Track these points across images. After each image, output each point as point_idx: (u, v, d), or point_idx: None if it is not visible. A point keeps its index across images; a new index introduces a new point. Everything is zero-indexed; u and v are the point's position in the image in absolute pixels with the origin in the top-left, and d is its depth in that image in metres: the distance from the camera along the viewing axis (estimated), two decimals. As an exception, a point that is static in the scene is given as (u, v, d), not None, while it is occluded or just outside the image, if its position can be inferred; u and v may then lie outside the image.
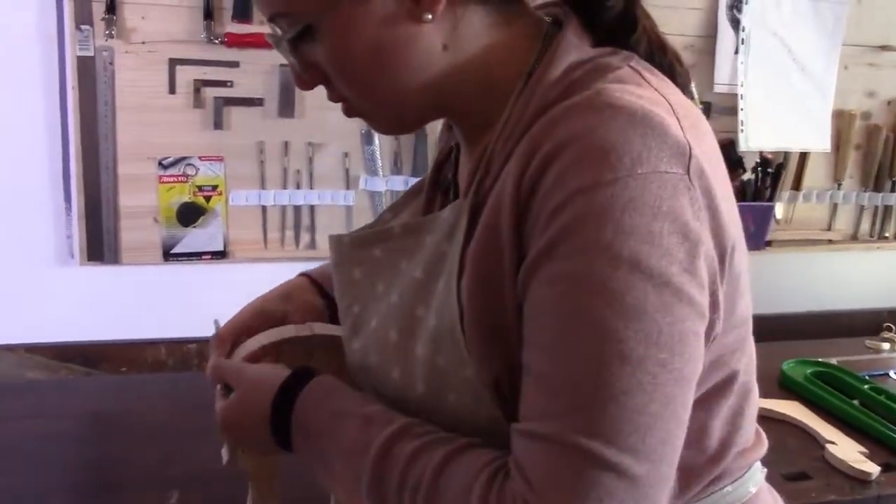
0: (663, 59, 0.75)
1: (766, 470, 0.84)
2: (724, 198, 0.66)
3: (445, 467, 0.67)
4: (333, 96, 0.77)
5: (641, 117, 0.62)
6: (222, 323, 0.96)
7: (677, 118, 0.65)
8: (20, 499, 1.19)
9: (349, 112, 0.77)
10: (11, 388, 1.59)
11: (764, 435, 0.83)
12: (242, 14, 1.67)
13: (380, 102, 0.74)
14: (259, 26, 1.68)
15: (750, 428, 0.79)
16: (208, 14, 1.65)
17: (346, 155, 1.81)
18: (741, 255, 0.70)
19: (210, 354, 0.93)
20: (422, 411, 0.73)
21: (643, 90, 0.66)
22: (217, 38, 1.66)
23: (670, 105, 0.66)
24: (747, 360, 0.76)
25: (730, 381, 0.74)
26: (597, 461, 0.59)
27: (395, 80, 0.72)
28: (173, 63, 1.66)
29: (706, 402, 0.72)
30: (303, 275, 1.03)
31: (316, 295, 0.99)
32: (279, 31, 0.73)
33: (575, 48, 0.71)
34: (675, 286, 0.61)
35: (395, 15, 0.69)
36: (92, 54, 1.61)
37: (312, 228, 1.83)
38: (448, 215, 0.73)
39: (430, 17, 0.69)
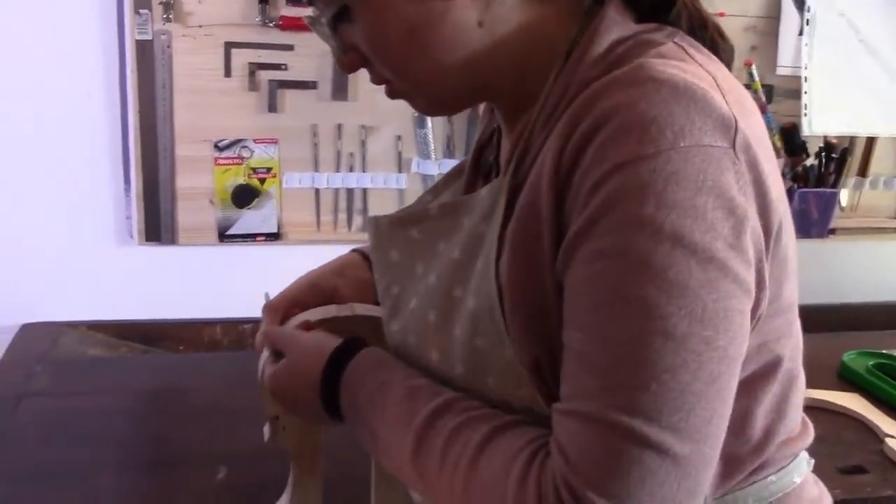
0: (704, 34, 0.73)
1: (813, 461, 0.82)
2: (770, 174, 0.64)
3: (487, 444, 0.66)
4: (375, 78, 0.76)
5: (684, 90, 0.61)
6: (273, 295, 0.97)
7: (722, 92, 0.63)
8: (75, 472, 1.22)
9: (392, 94, 0.77)
10: (73, 364, 1.64)
11: (811, 424, 0.81)
12: (296, -3, 1.68)
13: (418, 82, 0.74)
14: (313, 9, 1.68)
15: (795, 417, 0.77)
16: (263, -3, 1.66)
17: (398, 138, 1.81)
18: (788, 236, 0.68)
19: (262, 324, 0.94)
20: (459, 392, 0.73)
21: (687, 65, 0.65)
22: (271, 22, 1.68)
23: (715, 80, 0.64)
24: (793, 347, 0.74)
25: (774, 367, 0.72)
26: (638, 439, 0.58)
27: (431, 59, 0.71)
28: (229, 46, 1.68)
29: (749, 389, 0.70)
30: (355, 251, 1.03)
31: (367, 271, 0.99)
32: (314, 13, 0.73)
33: (617, 25, 0.70)
34: (720, 261, 0.60)
35: None
36: (150, 38, 1.64)
37: (365, 211, 1.83)
38: (486, 195, 0.73)
39: None
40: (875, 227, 2.09)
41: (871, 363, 1.66)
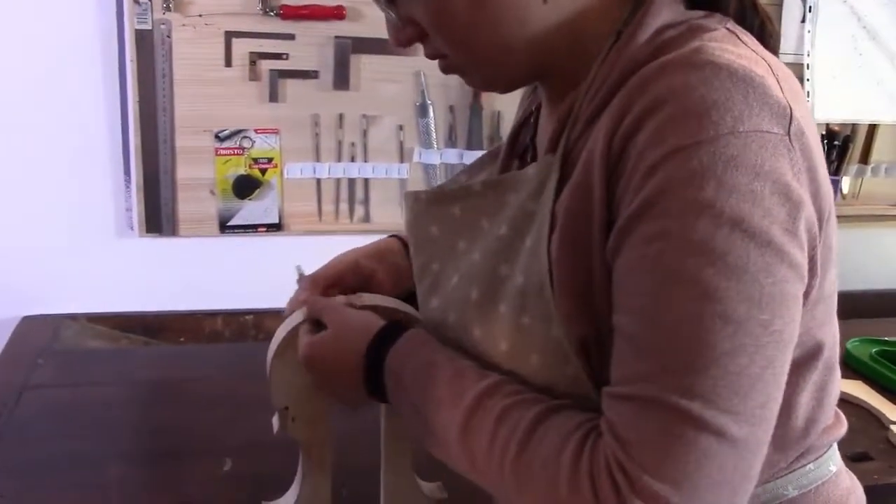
0: (755, 18, 0.73)
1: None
2: (820, 163, 0.65)
3: (538, 426, 0.66)
4: (430, 52, 0.76)
5: (742, 76, 0.61)
6: (305, 270, 0.96)
7: (777, 79, 0.63)
8: (79, 464, 1.22)
9: (446, 69, 0.77)
10: (74, 356, 1.63)
11: (842, 414, 0.81)
12: (297, -14, 1.67)
13: (478, 57, 0.73)
14: (314, -2, 1.68)
15: (832, 405, 0.77)
16: (264, -14, 1.65)
17: (400, 128, 1.80)
18: (833, 224, 0.68)
19: (298, 293, 0.93)
20: (501, 369, 0.73)
21: (741, 49, 0.65)
22: (272, 11, 1.66)
23: (769, 66, 0.65)
24: (832, 335, 0.75)
25: (816, 353, 0.72)
26: (696, 422, 0.58)
27: (495, 34, 0.71)
28: (229, 36, 1.67)
29: (793, 375, 0.70)
30: (393, 236, 1.02)
31: (405, 258, 0.98)
32: None
33: (668, 8, 0.70)
34: (777, 246, 0.60)
35: None
36: (150, 27, 1.62)
37: (366, 201, 1.83)
38: (535, 172, 0.73)
39: None
40: (876, 215, 2.09)
41: (874, 350, 1.66)
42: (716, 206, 0.59)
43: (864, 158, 2.05)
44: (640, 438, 0.60)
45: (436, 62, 0.77)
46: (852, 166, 2.03)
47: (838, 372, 0.77)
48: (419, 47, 0.77)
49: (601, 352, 0.67)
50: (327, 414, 0.93)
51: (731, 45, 0.65)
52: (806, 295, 0.65)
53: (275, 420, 0.92)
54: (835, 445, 0.80)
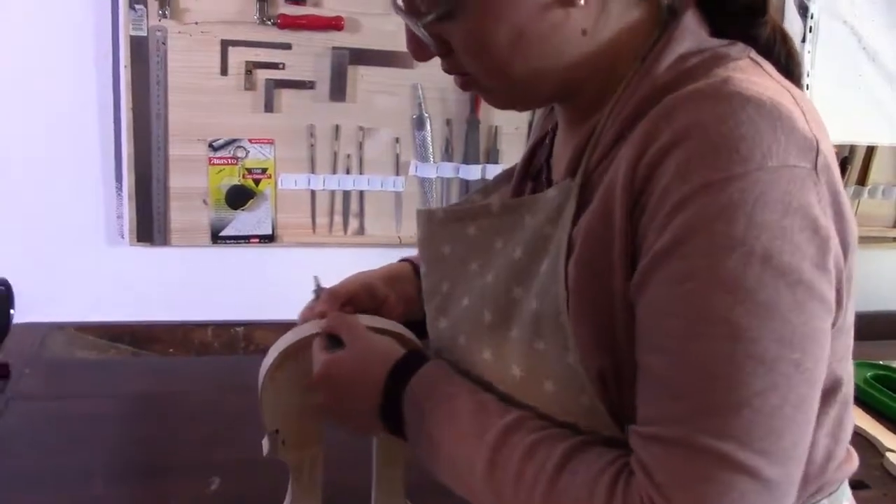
0: (782, 49, 0.72)
1: None
2: (844, 194, 0.64)
3: (567, 463, 0.65)
4: (450, 68, 0.74)
5: (770, 109, 0.60)
6: (321, 281, 0.95)
7: (802, 111, 0.62)
8: (61, 479, 1.19)
9: (466, 86, 0.75)
10: (60, 366, 1.61)
11: (853, 448, 0.80)
12: (295, -5, 1.65)
13: (509, 84, 0.72)
14: (312, 8, 1.67)
15: (847, 440, 0.77)
16: (261, -5, 1.64)
17: (396, 140, 1.79)
18: (856, 255, 0.68)
19: (316, 304, 0.91)
20: (514, 395, 0.72)
21: (766, 81, 0.64)
22: (270, 20, 1.65)
23: (794, 97, 0.64)
24: (849, 370, 0.74)
25: (835, 389, 0.72)
26: (731, 464, 0.58)
27: (530, 64, 0.70)
28: (225, 44, 1.66)
29: None
30: (405, 260, 1.01)
31: (416, 285, 0.97)
32: (420, 8, 0.70)
33: (691, 35, 0.69)
34: (807, 283, 0.59)
35: (548, 1, 0.67)
36: (145, 34, 1.61)
37: (361, 214, 1.82)
38: (554, 195, 0.72)
39: (582, 1, 0.67)
40: (874, 237, 2.10)
41: (869, 374, 1.65)
42: (746, 243, 0.58)
43: (862, 180, 2.05)
44: (675, 481, 0.59)
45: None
46: (850, 187, 2.04)
47: (852, 406, 0.77)
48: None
49: (619, 383, 0.66)
50: (319, 437, 0.91)
51: (756, 77, 0.64)
52: (833, 326, 0.64)
53: (265, 442, 0.91)
54: (846, 481, 0.79)
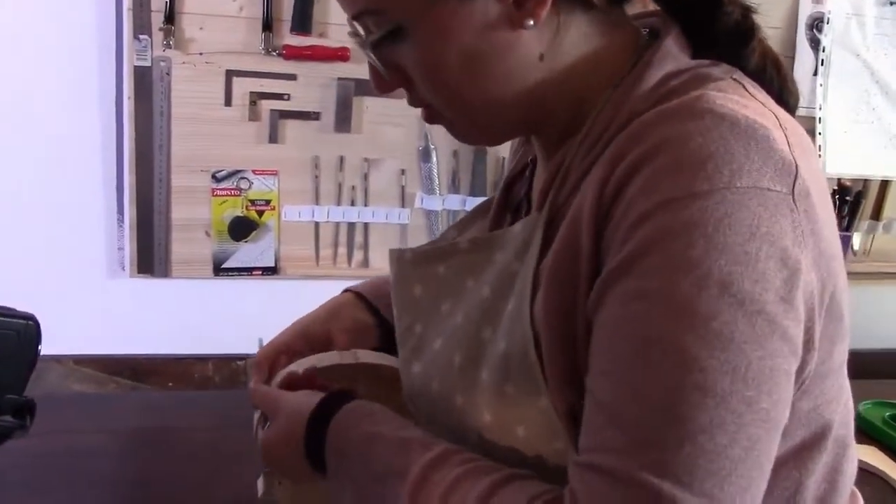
0: (775, 75, 0.69)
1: None
2: (827, 225, 0.60)
3: (492, 495, 0.61)
4: (415, 101, 0.72)
5: (745, 127, 0.57)
6: (266, 342, 0.93)
7: (785, 133, 0.59)
8: (54, 519, 1.16)
9: (430, 118, 0.73)
10: (55, 400, 1.57)
11: (858, 493, 0.75)
12: (301, 26, 1.65)
13: (467, 111, 0.70)
14: (317, 39, 1.66)
15: (848, 485, 0.72)
16: (267, 26, 1.63)
17: (402, 172, 1.78)
18: (843, 292, 0.63)
19: (250, 376, 0.90)
20: (485, 442, 0.68)
21: (747, 101, 0.61)
22: (275, 51, 1.65)
23: (777, 119, 0.60)
24: (843, 412, 0.69)
25: (824, 433, 0.67)
26: (666, 503, 0.53)
27: (487, 90, 0.67)
28: (230, 74, 1.65)
29: (800, 458, 0.65)
30: (348, 290, 0.99)
31: (364, 311, 0.96)
32: (361, 30, 0.68)
33: (673, 58, 0.66)
34: (769, 316, 0.55)
35: (495, 20, 0.64)
36: (149, 64, 1.60)
37: (366, 246, 1.80)
38: (520, 230, 0.69)
39: (531, 23, 0.64)
40: (888, 273, 2.07)
41: (887, 414, 1.61)
42: (703, 265, 0.54)
43: (876, 215, 2.03)
44: None
45: None
46: (864, 222, 2.01)
47: (853, 450, 0.72)
48: None
49: None
50: (315, 477, 0.88)
51: (736, 95, 0.61)
52: (800, 371, 0.60)
53: (260, 482, 0.88)
54: None
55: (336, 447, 0.74)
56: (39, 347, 0.83)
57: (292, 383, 0.86)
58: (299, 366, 0.87)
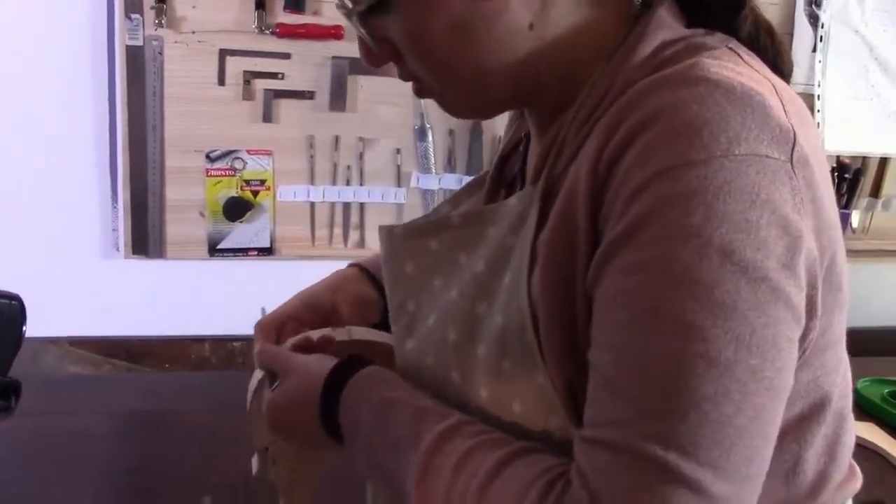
0: (769, 43, 0.68)
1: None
2: (826, 194, 0.59)
3: (499, 472, 0.61)
4: (405, 74, 0.71)
5: (741, 94, 0.56)
6: (269, 311, 0.92)
7: (781, 101, 0.58)
8: (49, 499, 1.16)
9: (420, 92, 0.72)
10: (51, 382, 1.58)
11: (857, 466, 0.75)
12: (294, 4, 1.63)
13: (457, 83, 0.69)
14: (311, 17, 1.65)
15: (847, 457, 0.71)
16: (260, 4, 1.62)
17: (398, 151, 1.76)
18: (843, 262, 0.63)
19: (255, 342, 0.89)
20: (482, 418, 0.67)
21: (742, 68, 0.60)
22: (268, 29, 1.63)
23: (774, 87, 0.59)
24: (842, 383, 0.69)
25: (824, 405, 0.66)
26: (672, 474, 0.53)
27: (476, 60, 0.66)
28: (223, 54, 1.64)
29: (800, 430, 0.65)
30: (354, 265, 0.98)
31: (368, 285, 0.95)
32: (349, 1, 0.67)
33: (667, 27, 0.65)
34: (772, 283, 0.54)
35: None
36: (141, 44, 1.59)
37: (361, 226, 1.79)
38: (515, 203, 0.68)
39: None
40: (887, 250, 2.05)
41: (886, 391, 1.61)
42: (703, 233, 0.53)
43: (875, 192, 2.02)
44: (610, 488, 0.54)
45: None
46: (863, 200, 2.00)
47: (852, 421, 0.72)
48: None
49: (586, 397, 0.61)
50: (309, 455, 0.88)
51: (731, 63, 0.60)
52: (804, 338, 0.60)
53: (254, 461, 0.88)
54: (850, 500, 0.74)
55: (352, 409, 0.73)
56: (24, 328, 0.81)
57: (308, 348, 0.84)
58: (292, 342, 0.86)
